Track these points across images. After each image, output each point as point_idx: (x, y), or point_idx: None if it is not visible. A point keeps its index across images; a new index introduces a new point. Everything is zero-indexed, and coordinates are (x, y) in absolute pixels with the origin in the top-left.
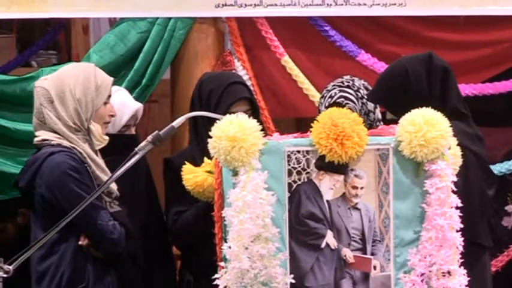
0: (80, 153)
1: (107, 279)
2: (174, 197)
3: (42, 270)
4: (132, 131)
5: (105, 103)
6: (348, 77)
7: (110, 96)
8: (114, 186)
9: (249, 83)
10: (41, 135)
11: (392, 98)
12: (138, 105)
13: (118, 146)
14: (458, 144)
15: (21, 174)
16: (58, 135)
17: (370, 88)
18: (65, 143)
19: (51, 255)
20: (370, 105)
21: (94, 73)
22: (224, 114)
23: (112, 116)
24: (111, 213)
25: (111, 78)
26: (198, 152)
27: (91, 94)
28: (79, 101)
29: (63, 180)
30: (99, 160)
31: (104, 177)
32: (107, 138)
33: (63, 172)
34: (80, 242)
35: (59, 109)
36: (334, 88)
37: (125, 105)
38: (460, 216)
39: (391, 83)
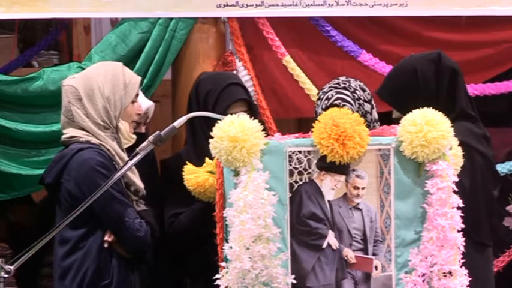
0: (108, 150)
1: (130, 277)
2: (170, 199)
3: (66, 266)
4: (142, 129)
5: (133, 101)
6: (343, 78)
7: (137, 94)
8: (141, 185)
9: (250, 83)
10: (69, 132)
11: (399, 97)
12: (149, 104)
13: None
14: (464, 145)
15: (47, 170)
16: (87, 133)
17: (366, 89)
18: (94, 140)
19: (76, 251)
20: (367, 106)
21: (122, 71)
22: (222, 115)
23: (139, 114)
24: (138, 212)
25: (139, 77)
26: (195, 153)
27: (120, 92)
28: (108, 99)
29: (91, 176)
30: (127, 158)
31: (131, 175)
32: (134, 136)
33: (91, 168)
34: (105, 238)
35: (88, 107)
36: (331, 90)
37: None
38: (466, 217)
39: (399, 81)
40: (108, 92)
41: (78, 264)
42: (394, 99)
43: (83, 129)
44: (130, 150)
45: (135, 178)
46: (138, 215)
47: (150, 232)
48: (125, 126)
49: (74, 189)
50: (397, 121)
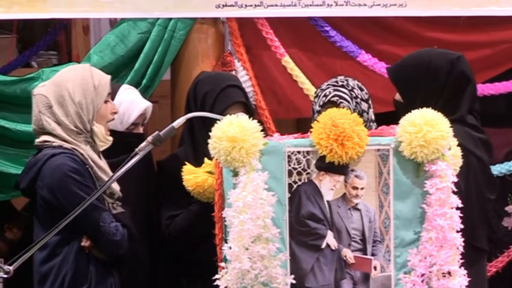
0: (82, 154)
1: (109, 280)
2: (167, 201)
3: (45, 271)
4: (140, 129)
5: (106, 101)
6: (342, 77)
7: (109, 94)
8: (116, 187)
9: (249, 83)
10: (42, 137)
11: (405, 82)
12: (147, 104)
13: (125, 144)
14: (459, 146)
15: (22, 175)
16: (59, 138)
17: (364, 88)
18: (66, 145)
19: (54, 256)
20: (364, 105)
21: (91, 74)
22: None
23: (115, 113)
24: (114, 215)
25: (109, 76)
26: (193, 154)
27: (90, 95)
28: (79, 104)
29: (65, 182)
30: (101, 162)
31: (106, 179)
32: (110, 138)
33: (64, 174)
34: (82, 244)
35: (59, 114)
36: (329, 87)
37: (134, 103)
38: (461, 218)
39: (411, 68)
40: (79, 96)
41: (57, 270)
42: (400, 81)
43: (54, 135)
44: (119, 152)
45: None
46: (113, 219)
47: (127, 234)
48: (100, 129)
49: (48, 196)
50: (395, 121)
